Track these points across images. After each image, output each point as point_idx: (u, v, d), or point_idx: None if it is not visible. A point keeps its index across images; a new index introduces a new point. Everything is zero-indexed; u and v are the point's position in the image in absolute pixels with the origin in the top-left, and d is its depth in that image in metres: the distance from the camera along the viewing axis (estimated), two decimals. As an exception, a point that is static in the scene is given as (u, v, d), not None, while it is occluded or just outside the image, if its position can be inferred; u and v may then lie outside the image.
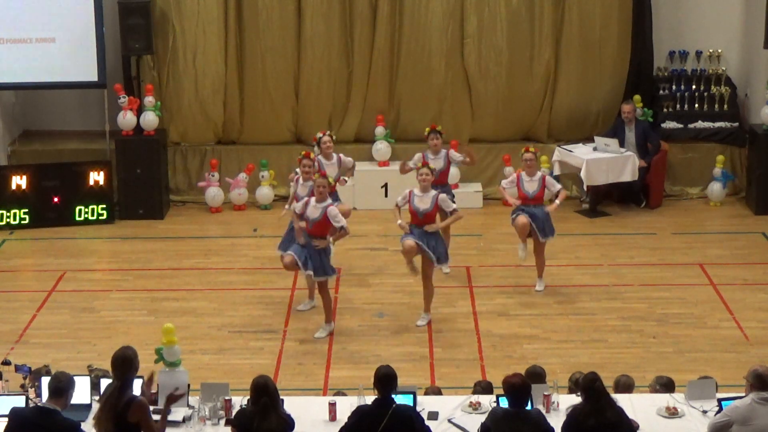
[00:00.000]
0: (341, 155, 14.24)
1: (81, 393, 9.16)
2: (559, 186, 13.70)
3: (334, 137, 14.43)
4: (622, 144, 16.38)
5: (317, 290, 12.83)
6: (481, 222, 15.98)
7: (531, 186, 13.56)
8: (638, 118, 16.77)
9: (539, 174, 13.68)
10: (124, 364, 8.27)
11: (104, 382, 9.48)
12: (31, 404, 9.03)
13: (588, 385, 8.39)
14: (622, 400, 8.97)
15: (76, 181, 16.38)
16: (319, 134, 14.32)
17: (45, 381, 8.82)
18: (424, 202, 12.78)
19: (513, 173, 13.88)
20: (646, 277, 14.38)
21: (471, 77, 17.15)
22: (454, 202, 13.33)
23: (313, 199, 12.62)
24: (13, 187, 16.22)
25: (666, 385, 9.88)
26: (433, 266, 12.83)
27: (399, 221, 12.83)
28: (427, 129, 14.26)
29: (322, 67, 17.13)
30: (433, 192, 12.86)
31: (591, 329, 12.96)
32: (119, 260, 15.34)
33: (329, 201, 12.62)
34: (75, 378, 8.65)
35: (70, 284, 14.41)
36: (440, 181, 13.75)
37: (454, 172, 15.26)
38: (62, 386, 8.41)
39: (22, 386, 9.85)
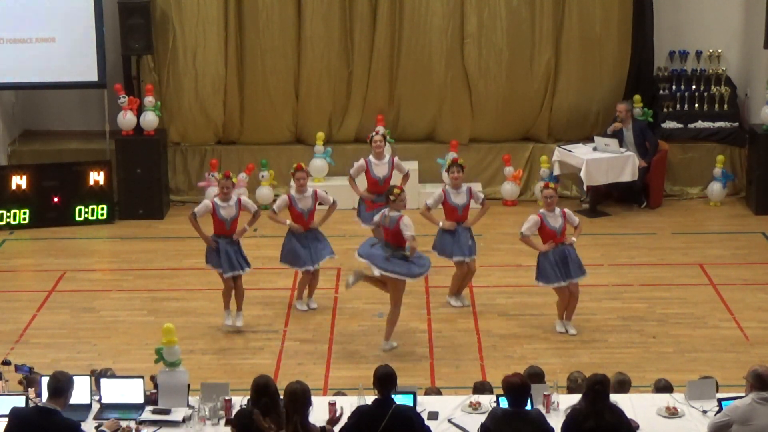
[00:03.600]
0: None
1: (81, 393, 9.17)
2: (578, 220, 12.87)
3: (386, 136, 14.62)
4: (620, 143, 16.39)
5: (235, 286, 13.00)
6: (481, 222, 15.85)
7: (556, 221, 12.61)
8: (636, 118, 16.78)
9: (558, 209, 12.70)
10: (305, 397, 8.22)
11: (105, 382, 9.52)
12: (31, 404, 9.02)
13: (589, 386, 8.38)
14: (622, 400, 8.97)
15: (76, 181, 16.38)
16: (373, 132, 14.48)
17: (45, 381, 8.82)
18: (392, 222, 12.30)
19: (534, 216, 12.74)
20: (646, 277, 14.38)
21: (471, 77, 17.16)
22: (475, 246, 13.43)
23: (217, 199, 12.83)
24: (13, 187, 16.23)
25: (662, 390, 9.86)
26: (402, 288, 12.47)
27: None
28: (449, 162, 13.66)
29: (322, 67, 17.14)
30: (397, 213, 12.31)
31: (591, 329, 12.96)
32: (119, 260, 15.35)
33: (236, 197, 12.89)
34: (75, 378, 8.67)
35: (70, 284, 14.41)
36: (464, 218, 13.36)
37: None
38: (62, 386, 8.43)
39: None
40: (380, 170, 14.15)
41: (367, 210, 14.07)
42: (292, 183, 13.61)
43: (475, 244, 13.54)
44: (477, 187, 13.42)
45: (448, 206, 13.41)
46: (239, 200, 12.94)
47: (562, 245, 12.67)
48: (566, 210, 12.83)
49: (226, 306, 13.06)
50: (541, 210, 12.77)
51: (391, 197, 12.31)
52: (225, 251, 12.83)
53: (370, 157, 14.26)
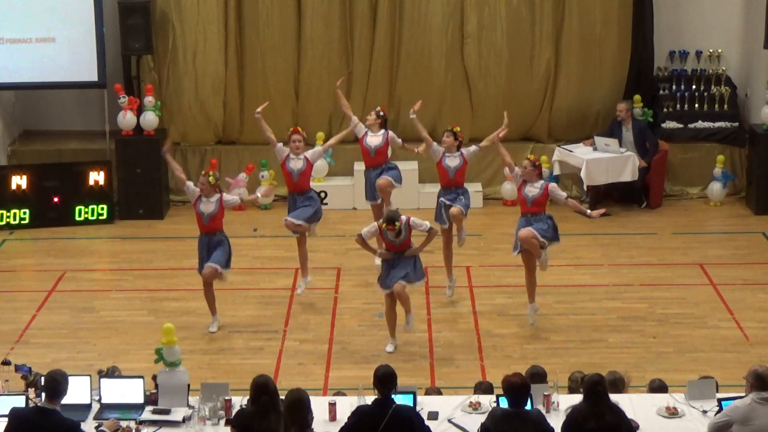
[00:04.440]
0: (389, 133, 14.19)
1: (81, 393, 9.17)
2: (564, 195, 12.82)
3: (381, 114, 14.39)
4: (620, 143, 16.39)
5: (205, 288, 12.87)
6: (481, 222, 15.98)
7: (531, 191, 12.68)
8: (636, 118, 16.77)
9: (542, 182, 12.77)
10: (301, 405, 8.20)
11: (105, 382, 9.52)
12: (31, 404, 9.02)
13: (590, 388, 8.37)
14: (622, 400, 8.97)
15: (76, 181, 16.38)
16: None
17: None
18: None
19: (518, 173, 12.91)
20: (646, 277, 14.38)
21: (471, 77, 17.16)
22: (468, 203, 13.41)
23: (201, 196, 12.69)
24: (13, 187, 16.23)
25: (656, 390, 9.86)
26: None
27: (379, 251, 12.46)
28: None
29: (322, 67, 17.14)
30: (403, 217, 12.16)
31: (591, 329, 12.96)
32: (119, 260, 15.35)
33: (219, 194, 12.68)
34: (74, 377, 8.67)
35: (70, 284, 14.41)
36: (457, 182, 13.49)
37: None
38: (59, 386, 8.43)
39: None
40: (374, 140, 14.11)
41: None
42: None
43: (465, 199, 13.50)
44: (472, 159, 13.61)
45: (441, 168, 13.53)
46: (221, 198, 12.69)
47: (532, 216, 12.66)
48: (550, 185, 12.81)
49: (211, 311, 12.97)
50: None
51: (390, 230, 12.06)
52: (202, 248, 12.74)
53: (368, 131, 14.23)
